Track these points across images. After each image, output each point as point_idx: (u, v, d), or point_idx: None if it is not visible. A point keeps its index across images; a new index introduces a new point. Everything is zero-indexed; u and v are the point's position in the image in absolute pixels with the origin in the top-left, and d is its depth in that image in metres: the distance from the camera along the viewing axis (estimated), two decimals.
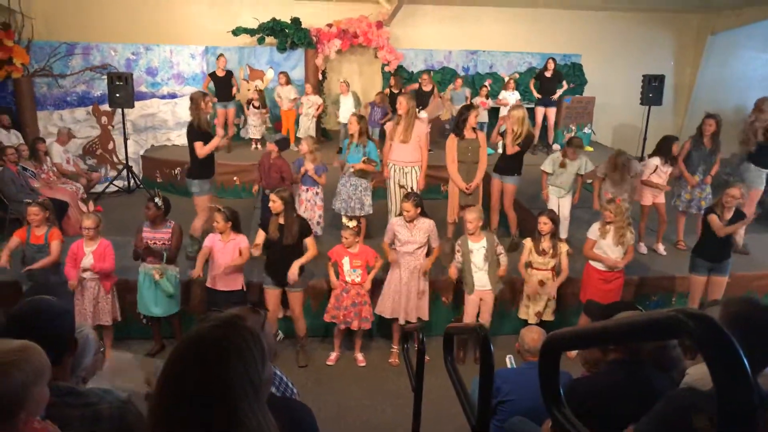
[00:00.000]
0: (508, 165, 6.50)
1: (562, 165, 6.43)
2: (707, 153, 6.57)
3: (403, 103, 6.17)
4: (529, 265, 5.41)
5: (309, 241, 5.12)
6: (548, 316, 5.39)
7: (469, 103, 10.44)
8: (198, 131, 6.12)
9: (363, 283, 5.21)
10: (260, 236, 5.11)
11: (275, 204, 4.95)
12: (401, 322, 5.26)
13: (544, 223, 5.25)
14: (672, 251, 6.76)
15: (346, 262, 5.18)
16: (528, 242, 5.43)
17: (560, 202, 6.55)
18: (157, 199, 5.07)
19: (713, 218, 5.28)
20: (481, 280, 5.23)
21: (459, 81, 11.15)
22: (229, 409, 1.14)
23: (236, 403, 1.15)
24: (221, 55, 10.09)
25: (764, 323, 1.86)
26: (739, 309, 1.89)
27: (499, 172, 6.61)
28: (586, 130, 11.29)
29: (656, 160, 6.53)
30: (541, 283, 5.32)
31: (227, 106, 10.09)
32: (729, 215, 5.29)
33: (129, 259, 5.45)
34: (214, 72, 10.00)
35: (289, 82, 10.32)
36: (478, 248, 5.20)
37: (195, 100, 6.09)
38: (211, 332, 1.21)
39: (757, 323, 1.75)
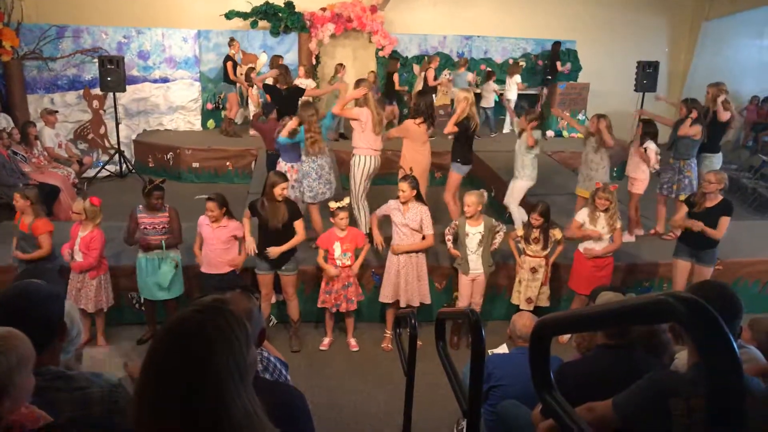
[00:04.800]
0: (452, 150, 6.54)
1: (519, 134, 6.53)
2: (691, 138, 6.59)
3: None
4: (523, 251, 5.42)
5: (297, 225, 5.10)
6: (543, 302, 5.41)
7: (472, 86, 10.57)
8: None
9: (352, 266, 5.22)
10: (247, 225, 5.09)
11: (285, 192, 4.95)
12: (402, 305, 5.27)
13: (535, 219, 5.27)
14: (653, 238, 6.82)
15: (337, 248, 5.16)
16: (519, 230, 5.45)
17: (514, 184, 6.61)
18: (162, 185, 5.01)
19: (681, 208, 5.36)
20: (474, 263, 5.25)
21: (465, 63, 11.16)
22: (215, 393, 1.14)
23: (221, 386, 1.15)
24: (234, 39, 10.05)
25: (720, 303, 1.91)
26: (697, 294, 1.93)
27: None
28: (580, 116, 11.30)
29: (652, 145, 6.53)
30: (534, 269, 5.34)
31: (232, 90, 10.08)
32: (711, 203, 5.11)
33: (121, 244, 5.41)
34: (229, 56, 9.95)
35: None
36: (474, 233, 5.21)
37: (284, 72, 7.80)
38: (194, 316, 1.21)
39: (715, 303, 1.79)
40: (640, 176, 6.61)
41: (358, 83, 6.23)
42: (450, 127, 6.36)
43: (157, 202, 4.98)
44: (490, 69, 11.73)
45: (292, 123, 5.98)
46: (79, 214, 4.93)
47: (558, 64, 11.58)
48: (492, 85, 11.14)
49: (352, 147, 6.27)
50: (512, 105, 10.38)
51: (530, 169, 6.52)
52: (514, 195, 6.66)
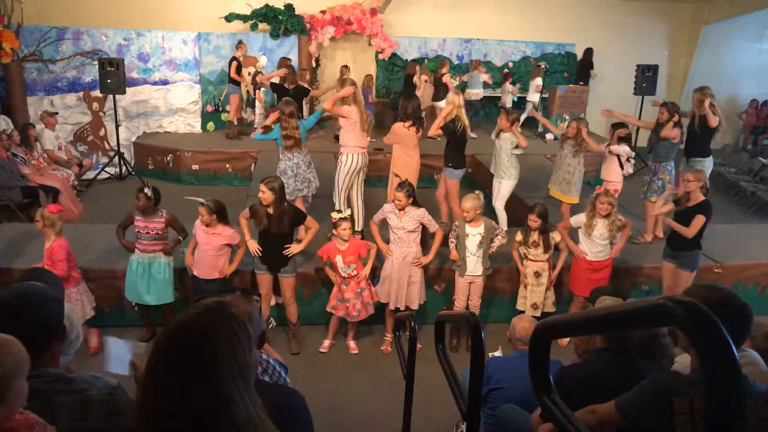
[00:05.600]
0: (444, 154, 6.50)
1: (498, 135, 6.51)
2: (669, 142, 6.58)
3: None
4: (524, 257, 5.40)
5: (307, 223, 5.12)
6: (549, 307, 5.39)
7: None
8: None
9: (359, 274, 5.19)
10: (244, 226, 5.09)
11: (264, 195, 4.87)
12: (391, 308, 5.27)
13: (533, 221, 5.25)
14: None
15: (339, 260, 5.14)
16: (518, 235, 5.43)
17: (501, 184, 6.55)
18: (146, 190, 4.93)
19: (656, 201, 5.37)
20: (472, 265, 5.25)
21: (480, 66, 11.33)
22: (217, 396, 1.14)
23: (224, 389, 1.15)
24: (242, 41, 10.18)
25: (730, 307, 1.90)
26: (705, 296, 1.92)
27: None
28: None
29: (627, 149, 6.52)
30: (537, 274, 5.33)
31: (237, 91, 10.16)
32: (692, 202, 5.07)
33: (120, 247, 5.39)
34: (235, 56, 10.05)
35: None
36: (474, 234, 5.20)
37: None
38: (197, 319, 1.21)
39: (724, 307, 1.79)
40: (613, 179, 6.58)
41: (344, 83, 6.32)
42: (434, 130, 6.39)
43: (140, 203, 4.89)
44: (507, 70, 11.85)
45: (269, 119, 6.15)
46: (38, 222, 4.74)
47: (591, 72, 11.64)
48: (508, 86, 11.27)
49: (340, 145, 6.35)
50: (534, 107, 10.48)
51: (515, 168, 6.52)
52: (501, 195, 6.61)
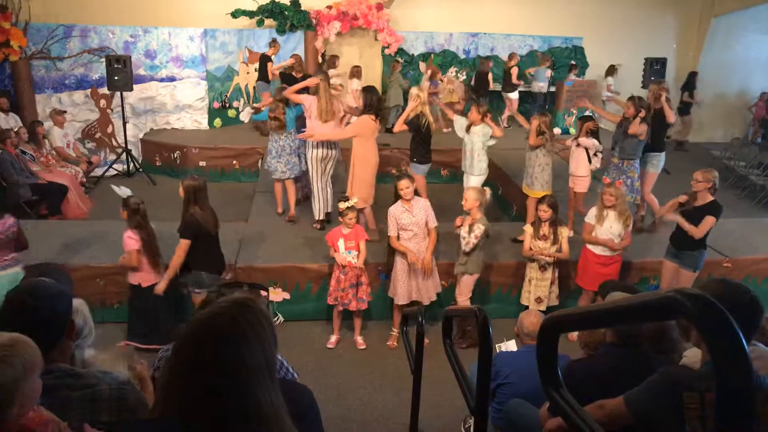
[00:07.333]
0: (410, 149, 6.42)
1: (468, 130, 6.38)
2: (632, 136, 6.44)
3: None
4: (530, 250, 5.38)
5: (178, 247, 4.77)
6: (553, 301, 5.38)
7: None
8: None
9: (360, 264, 5.18)
10: None
11: (179, 189, 4.82)
12: (425, 302, 5.26)
13: (544, 211, 5.21)
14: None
15: (341, 244, 5.15)
16: (528, 228, 5.40)
17: (469, 180, 6.44)
18: None
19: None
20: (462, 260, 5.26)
21: (546, 60, 11.56)
22: (245, 387, 1.14)
23: (252, 381, 1.15)
24: (276, 40, 10.40)
25: (740, 300, 1.90)
26: (716, 289, 1.92)
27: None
28: (587, 113, 11.25)
29: (595, 142, 6.40)
30: (543, 268, 5.31)
31: (267, 89, 10.25)
32: (700, 201, 4.98)
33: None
34: (267, 55, 10.21)
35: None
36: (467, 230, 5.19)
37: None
38: (225, 311, 1.21)
39: (734, 301, 1.78)
40: (582, 174, 6.47)
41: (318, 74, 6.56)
42: (399, 126, 6.40)
43: None
44: (573, 62, 11.86)
45: (262, 102, 6.46)
46: None
47: (695, 94, 11.82)
48: (572, 77, 11.32)
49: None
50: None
51: (485, 163, 6.45)
52: None
